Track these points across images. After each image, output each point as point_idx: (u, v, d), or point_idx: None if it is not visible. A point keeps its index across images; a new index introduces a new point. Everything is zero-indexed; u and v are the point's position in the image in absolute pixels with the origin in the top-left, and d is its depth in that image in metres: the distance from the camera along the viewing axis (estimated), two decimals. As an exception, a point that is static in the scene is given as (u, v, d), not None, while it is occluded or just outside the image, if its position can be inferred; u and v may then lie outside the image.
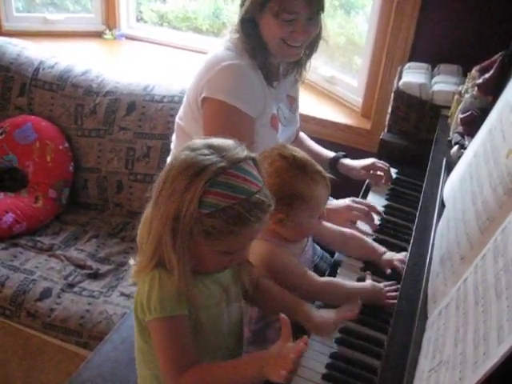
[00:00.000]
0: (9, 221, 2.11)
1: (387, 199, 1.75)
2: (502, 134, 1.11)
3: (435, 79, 1.97)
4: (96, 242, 2.17)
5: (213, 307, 1.12)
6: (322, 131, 2.36)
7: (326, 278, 1.36)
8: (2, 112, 2.42)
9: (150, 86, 2.31)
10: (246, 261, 1.19)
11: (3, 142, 2.31)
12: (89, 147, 2.32)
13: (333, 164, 1.89)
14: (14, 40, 2.54)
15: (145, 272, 1.05)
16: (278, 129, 1.71)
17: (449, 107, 1.79)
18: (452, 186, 1.32)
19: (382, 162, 1.84)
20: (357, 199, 1.65)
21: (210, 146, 1.01)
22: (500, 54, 1.59)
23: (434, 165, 1.58)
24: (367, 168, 1.82)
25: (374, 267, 1.44)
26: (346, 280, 1.38)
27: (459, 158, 1.44)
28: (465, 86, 1.70)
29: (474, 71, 1.68)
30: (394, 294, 1.29)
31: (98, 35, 3.06)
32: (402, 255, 1.43)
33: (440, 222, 1.25)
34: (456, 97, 1.72)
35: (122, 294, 1.90)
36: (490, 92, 1.54)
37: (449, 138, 1.68)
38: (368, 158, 1.88)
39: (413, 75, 1.99)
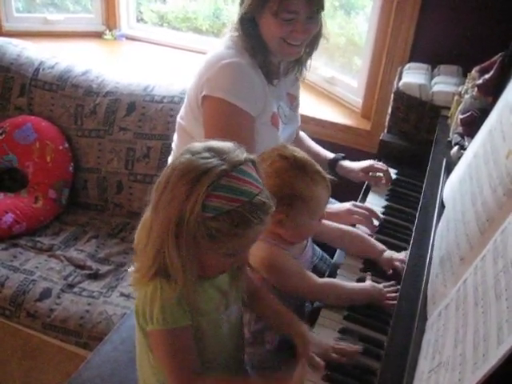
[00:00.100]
0: (8, 221, 2.11)
1: (387, 200, 1.75)
2: (502, 134, 1.11)
3: (435, 80, 1.97)
4: (96, 243, 2.17)
5: (212, 312, 1.11)
6: (322, 132, 2.36)
7: (326, 279, 1.36)
8: (2, 112, 2.42)
9: (150, 86, 2.31)
10: (247, 264, 1.19)
11: (3, 142, 2.30)
12: (89, 147, 2.32)
13: (332, 165, 1.89)
14: (14, 40, 2.54)
15: (145, 280, 1.04)
16: (278, 127, 1.71)
17: (449, 108, 1.79)
18: (452, 187, 1.31)
19: (380, 163, 1.84)
20: (357, 203, 1.65)
21: (210, 149, 1.00)
22: (500, 54, 1.59)
23: (433, 165, 1.58)
24: (365, 170, 1.82)
25: (373, 268, 1.44)
26: (345, 281, 1.38)
27: (459, 158, 1.44)
28: (465, 87, 1.69)
29: (474, 72, 1.68)
30: (394, 294, 1.29)
31: (98, 35, 3.06)
32: (401, 255, 1.43)
33: (440, 223, 1.25)
34: (456, 97, 1.72)
35: (122, 295, 1.90)
36: (490, 93, 1.54)
37: (449, 139, 1.68)
38: (368, 158, 1.88)
39: (413, 76, 1.99)
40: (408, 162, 1.92)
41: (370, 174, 1.82)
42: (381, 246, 1.47)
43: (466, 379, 0.74)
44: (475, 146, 1.29)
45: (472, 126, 1.50)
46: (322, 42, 1.73)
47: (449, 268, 1.05)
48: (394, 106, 1.99)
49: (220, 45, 1.64)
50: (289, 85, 1.82)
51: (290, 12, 1.51)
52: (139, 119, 2.26)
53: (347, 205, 1.62)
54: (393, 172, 1.85)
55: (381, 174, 1.82)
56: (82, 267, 2.02)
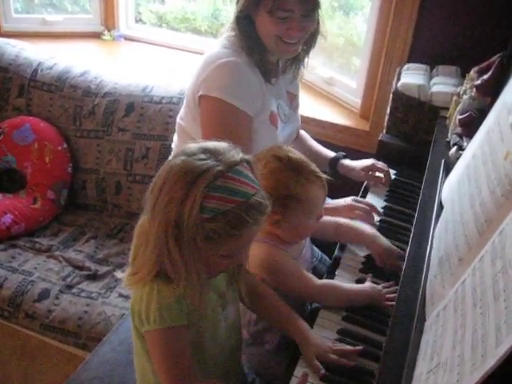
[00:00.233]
0: (7, 222, 2.11)
1: (386, 200, 1.75)
2: (500, 135, 1.11)
3: (434, 80, 1.98)
4: (94, 243, 2.17)
5: (210, 313, 1.11)
6: (321, 132, 2.35)
7: (325, 281, 1.36)
8: (1, 113, 2.42)
9: (149, 86, 2.31)
10: (245, 264, 1.19)
11: (2, 143, 2.30)
12: (87, 148, 2.32)
13: (332, 164, 1.89)
14: (13, 41, 2.54)
15: (142, 283, 1.03)
16: (277, 126, 1.71)
17: (447, 108, 1.79)
18: (450, 188, 1.31)
19: (381, 162, 1.84)
20: (358, 198, 1.66)
21: (205, 150, 1.00)
22: (498, 55, 1.59)
23: (432, 166, 1.58)
24: (367, 169, 1.82)
25: (372, 268, 1.44)
26: (344, 281, 1.38)
27: (457, 159, 1.44)
28: (463, 87, 1.70)
29: (473, 72, 1.68)
30: (393, 295, 1.29)
31: (97, 36, 3.06)
32: (392, 247, 1.45)
33: (438, 224, 1.25)
34: (454, 98, 1.72)
35: (121, 296, 1.90)
36: (489, 93, 1.54)
37: (447, 139, 1.68)
38: (367, 159, 1.88)
39: (411, 76, 1.99)
40: (407, 162, 1.92)
41: (370, 173, 1.82)
42: (369, 232, 1.49)
43: (465, 380, 0.74)
44: (473, 146, 1.29)
45: (470, 127, 1.50)
46: (320, 42, 1.72)
47: (447, 269, 1.04)
48: (392, 106, 1.99)
49: (217, 44, 1.64)
50: (288, 83, 1.81)
51: (285, 10, 1.51)
52: (138, 120, 2.26)
53: (348, 200, 1.63)
54: (392, 172, 1.85)
55: (381, 174, 1.81)
56: (81, 268, 2.02)
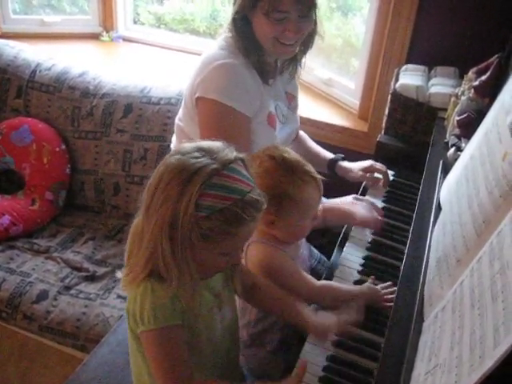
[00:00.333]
0: (5, 223, 2.10)
1: (384, 201, 1.75)
2: (498, 136, 1.11)
3: (432, 81, 1.98)
4: (93, 245, 2.16)
5: (205, 314, 1.11)
6: (319, 133, 2.35)
7: (323, 282, 1.36)
8: (-1, 114, 2.42)
9: (147, 88, 2.31)
10: (240, 263, 1.19)
11: (0, 144, 2.30)
12: (85, 149, 2.32)
13: (331, 166, 1.89)
14: (11, 42, 2.53)
15: (136, 282, 1.03)
16: (275, 127, 1.71)
17: (445, 109, 1.79)
18: (448, 189, 1.32)
19: (379, 164, 1.84)
20: (358, 196, 1.66)
21: (200, 149, 1.01)
22: (496, 56, 1.60)
23: (430, 167, 1.58)
24: (365, 170, 1.82)
25: (371, 269, 1.44)
26: (342, 283, 1.38)
27: (456, 160, 1.44)
28: (461, 88, 1.70)
29: (471, 73, 1.68)
30: (391, 296, 1.29)
31: (95, 37, 3.06)
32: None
33: (436, 225, 1.25)
34: (453, 99, 1.72)
35: (119, 297, 1.89)
36: (487, 94, 1.54)
37: (445, 140, 1.68)
38: (365, 160, 1.88)
39: (410, 77, 1.99)
40: (405, 163, 1.92)
41: (368, 174, 1.82)
42: (356, 211, 1.56)
43: (463, 381, 0.74)
44: (471, 147, 1.29)
45: (469, 128, 1.50)
46: (319, 43, 1.72)
47: (445, 270, 1.05)
48: (391, 107, 1.99)
49: (214, 45, 1.64)
50: (286, 83, 1.81)
51: (281, 12, 1.51)
52: (136, 121, 2.26)
53: (349, 198, 1.63)
54: (390, 173, 1.85)
55: (379, 175, 1.81)
56: (79, 269, 2.02)
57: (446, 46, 2.10)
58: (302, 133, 2.00)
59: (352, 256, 1.49)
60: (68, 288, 1.93)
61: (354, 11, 2.73)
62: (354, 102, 2.48)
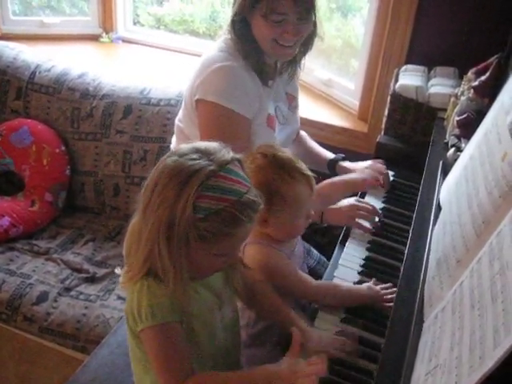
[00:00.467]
0: (5, 224, 2.10)
1: (384, 202, 1.75)
2: (498, 136, 1.11)
3: (431, 82, 1.98)
4: (93, 246, 2.16)
5: (205, 313, 1.11)
6: (319, 134, 2.35)
7: (321, 281, 1.36)
8: (-1, 115, 2.42)
9: (147, 89, 2.31)
10: (239, 262, 1.19)
11: (-1, 146, 2.30)
12: (85, 150, 2.32)
13: (331, 166, 1.89)
14: (11, 43, 2.53)
15: (134, 280, 1.04)
16: (274, 128, 1.71)
17: (445, 110, 1.79)
18: (448, 189, 1.32)
19: (380, 161, 1.84)
20: (360, 199, 1.66)
21: (197, 151, 1.01)
22: (496, 56, 1.60)
23: (430, 167, 1.58)
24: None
25: (371, 270, 1.44)
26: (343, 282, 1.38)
27: (455, 160, 1.44)
28: (461, 89, 1.70)
29: (470, 74, 1.68)
30: (390, 296, 1.29)
31: (95, 38, 3.06)
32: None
33: (436, 225, 1.25)
34: (452, 99, 1.72)
35: (119, 298, 1.89)
36: (486, 94, 1.54)
37: (445, 141, 1.68)
38: (365, 160, 1.88)
39: (409, 78, 1.99)
40: (405, 163, 1.92)
41: None
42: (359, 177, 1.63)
43: (463, 382, 0.74)
44: (471, 148, 1.29)
45: (468, 128, 1.50)
46: (318, 44, 1.72)
47: (445, 270, 1.04)
48: (390, 108, 1.99)
49: (214, 47, 1.64)
50: (286, 84, 1.81)
51: (279, 14, 1.51)
52: (136, 122, 2.26)
53: (351, 200, 1.63)
54: (390, 174, 1.85)
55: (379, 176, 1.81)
56: (79, 270, 2.01)
57: (446, 47, 2.10)
58: (302, 133, 2.00)
59: (352, 256, 1.49)
60: (68, 289, 1.93)
61: (354, 12, 2.73)
62: (354, 102, 2.48)
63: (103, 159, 2.30)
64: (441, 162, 1.55)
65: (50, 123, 2.35)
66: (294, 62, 1.74)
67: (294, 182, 1.28)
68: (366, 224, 1.59)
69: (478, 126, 1.36)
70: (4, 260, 2.03)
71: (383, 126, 2.06)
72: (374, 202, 1.73)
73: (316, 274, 1.54)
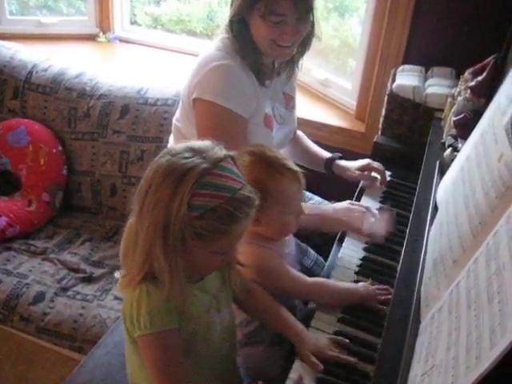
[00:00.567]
0: (2, 224, 2.10)
1: (381, 202, 1.75)
2: (495, 137, 1.11)
3: (429, 82, 1.98)
4: (90, 246, 2.16)
5: (203, 316, 1.11)
6: (316, 134, 2.35)
7: (315, 279, 1.36)
8: (-5, 115, 2.41)
9: (144, 89, 2.31)
10: (236, 261, 1.19)
11: (-4, 145, 2.30)
12: (82, 150, 2.32)
13: (328, 165, 1.89)
14: (7, 43, 2.52)
15: (132, 285, 1.03)
16: (272, 128, 1.71)
17: (442, 110, 1.80)
18: (445, 190, 1.32)
19: (376, 162, 1.84)
20: (354, 202, 1.66)
21: (189, 149, 1.01)
22: (492, 56, 1.60)
23: (427, 167, 1.58)
24: (362, 169, 1.82)
25: (368, 270, 1.44)
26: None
27: (452, 160, 1.44)
28: (458, 89, 1.70)
29: (467, 74, 1.69)
30: (385, 297, 1.29)
31: (92, 38, 3.05)
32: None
33: (433, 226, 1.25)
34: (449, 99, 1.73)
35: (116, 298, 1.89)
36: (483, 94, 1.55)
37: (442, 141, 1.69)
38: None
39: (406, 78, 2.00)
40: (402, 163, 1.92)
41: (366, 173, 1.81)
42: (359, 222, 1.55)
43: (459, 382, 0.74)
44: (468, 148, 1.29)
45: (465, 128, 1.51)
46: (316, 43, 1.72)
47: (442, 271, 1.05)
48: (387, 108, 1.99)
49: (211, 47, 1.64)
50: (283, 84, 1.81)
51: (278, 15, 1.51)
52: (133, 122, 2.25)
53: (345, 203, 1.63)
54: (387, 174, 1.85)
55: (376, 175, 1.81)
56: (76, 270, 2.01)
57: (443, 47, 2.11)
58: (299, 132, 2.00)
59: (349, 257, 1.49)
60: (65, 289, 1.92)
61: (351, 12, 2.73)
62: (351, 102, 2.49)
63: (100, 159, 2.29)
64: (438, 162, 1.56)
65: (47, 123, 2.35)
66: (291, 62, 1.74)
67: (281, 177, 1.27)
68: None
69: (474, 126, 1.36)
70: (1, 260, 2.02)
71: (380, 125, 2.07)
72: (371, 202, 1.73)
73: (313, 274, 1.53)
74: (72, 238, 2.20)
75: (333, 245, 1.56)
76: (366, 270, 1.44)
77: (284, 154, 1.48)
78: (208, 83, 1.56)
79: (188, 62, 2.75)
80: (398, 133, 1.99)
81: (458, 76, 1.90)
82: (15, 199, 2.25)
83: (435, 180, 1.46)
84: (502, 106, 1.17)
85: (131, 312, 1.03)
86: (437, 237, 1.18)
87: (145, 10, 3.24)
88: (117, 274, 1.13)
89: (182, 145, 1.03)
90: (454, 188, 1.24)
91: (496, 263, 0.83)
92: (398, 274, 1.20)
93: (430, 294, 1.05)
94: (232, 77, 1.57)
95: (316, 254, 1.69)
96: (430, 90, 1.92)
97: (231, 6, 1.59)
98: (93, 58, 2.88)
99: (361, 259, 1.49)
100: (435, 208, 1.32)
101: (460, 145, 1.52)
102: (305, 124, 2.31)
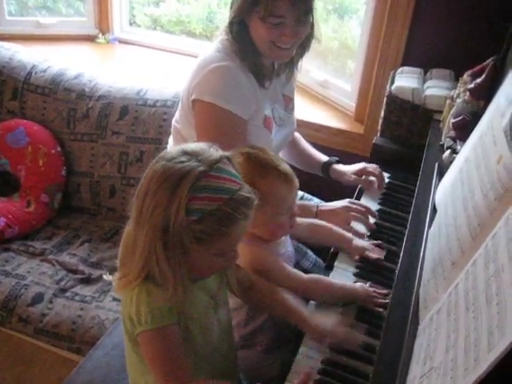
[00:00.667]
0: (0, 225, 2.09)
1: (380, 203, 1.75)
2: (493, 139, 1.11)
3: (427, 84, 1.98)
4: (88, 247, 2.16)
5: (202, 316, 1.11)
6: (315, 135, 2.36)
7: (312, 275, 1.36)
8: (-6, 116, 2.41)
9: (143, 90, 2.31)
10: (234, 263, 1.19)
11: (-5, 146, 2.30)
12: (81, 151, 2.32)
13: (325, 169, 1.89)
14: (6, 44, 2.52)
15: (129, 288, 1.03)
16: (271, 130, 1.71)
17: (441, 112, 1.80)
18: (444, 192, 1.32)
19: (373, 166, 1.84)
20: (353, 200, 1.66)
21: (184, 153, 1.00)
22: (492, 58, 1.60)
23: (426, 169, 1.58)
24: (358, 173, 1.82)
25: (367, 272, 1.44)
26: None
27: (451, 162, 1.44)
28: (457, 91, 1.70)
29: (466, 76, 1.69)
30: (382, 301, 1.29)
31: (91, 39, 3.05)
32: (368, 244, 1.48)
33: (432, 228, 1.25)
34: (448, 101, 1.73)
35: (115, 299, 1.89)
36: (482, 97, 1.55)
37: (441, 143, 1.69)
38: (361, 162, 1.88)
39: (405, 80, 2.00)
40: (401, 165, 1.92)
41: (363, 177, 1.82)
42: (348, 236, 1.50)
43: (458, 384, 0.74)
44: (467, 150, 1.29)
45: (464, 130, 1.51)
46: (315, 45, 1.72)
47: (440, 273, 1.05)
48: (386, 109, 1.99)
49: (210, 48, 1.64)
50: (283, 85, 1.81)
51: (277, 16, 1.51)
52: (132, 123, 2.25)
53: (344, 202, 1.63)
54: (386, 175, 1.85)
55: (373, 178, 1.81)
56: (75, 272, 2.01)
57: (442, 49, 2.11)
58: (296, 134, 2.00)
59: (348, 258, 1.49)
60: (63, 290, 1.92)
61: (350, 14, 2.73)
62: (350, 104, 2.49)
63: (99, 160, 2.29)
64: (436, 164, 1.56)
65: (46, 124, 2.35)
66: (291, 64, 1.74)
67: (271, 178, 1.27)
68: (360, 228, 1.58)
69: (473, 128, 1.36)
70: (-1, 261, 2.02)
71: (379, 127, 2.07)
72: (370, 203, 1.73)
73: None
74: (71, 239, 2.20)
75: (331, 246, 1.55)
76: (364, 271, 1.44)
77: (281, 156, 1.48)
78: (207, 85, 1.56)
79: (187, 63, 2.75)
80: (397, 134, 1.99)
81: (456, 78, 1.90)
82: (14, 200, 2.24)
83: (434, 182, 1.46)
84: (500, 108, 1.17)
85: (130, 311, 1.02)
86: (435, 239, 1.18)
87: (144, 11, 3.24)
88: (106, 276, 1.13)
89: (176, 149, 1.03)
90: (452, 190, 1.24)
91: (495, 265, 0.83)
92: (396, 276, 1.20)
93: (428, 295, 1.05)
94: (231, 78, 1.57)
95: (315, 256, 1.69)
96: (429, 92, 1.92)
97: (231, 7, 1.59)
98: (92, 59, 2.88)
99: (359, 261, 1.49)
100: (434, 210, 1.32)
101: (459, 147, 1.52)
102: (304, 125, 2.31)
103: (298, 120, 1.95)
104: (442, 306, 0.96)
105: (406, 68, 2.10)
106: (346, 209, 1.61)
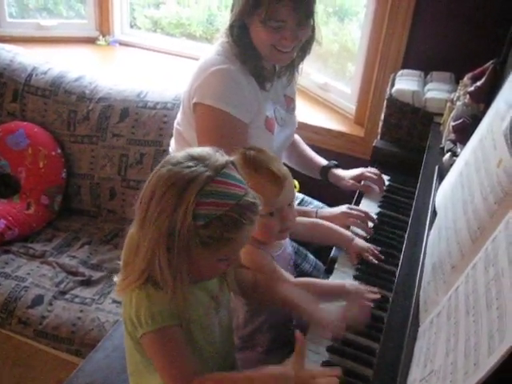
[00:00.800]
0: (0, 227, 2.09)
1: (380, 206, 1.75)
2: (493, 143, 1.11)
3: (428, 86, 1.98)
4: (88, 249, 2.16)
5: (203, 317, 1.11)
6: (316, 138, 2.36)
7: (301, 279, 1.36)
8: (-5, 118, 2.41)
9: (144, 92, 2.31)
10: (237, 265, 1.19)
11: (-4, 148, 2.30)
12: (81, 153, 2.32)
13: (324, 173, 1.89)
14: (7, 46, 2.53)
15: (130, 288, 1.03)
16: (273, 131, 1.71)
17: (441, 114, 1.80)
18: (444, 195, 1.32)
19: (371, 170, 1.83)
20: (352, 206, 1.66)
21: (191, 158, 1.00)
22: (492, 61, 1.60)
23: (426, 172, 1.58)
24: (356, 178, 1.82)
25: (366, 275, 1.44)
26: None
27: (451, 165, 1.44)
28: (457, 94, 1.70)
29: (466, 79, 1.69)
30: (371, 295, 1.28)
31: (92, 41, 3.06)
32: (369, 246, 1.48)
33: (432, 231, 1.25)
34: (448, 104, 1.73)
35: (115, 301, 1.88)
36: (482, 100, 1.55)
37: (441, 146, 1.69)
38: (361, 164, 1.89)
39: (405, 82, 2.00)
40: (401, 168, 1.92)
41: (362, 182, 1.81)
42: (348, 235, 1.50)
43: (458, 388, 0.74)
44: (467, 153, 1.29)
45: (464, 133, 1.51)
46: (315, 48, 1.73)
47: (440, 276, 1.05)
48: (386, 112, 1.99)
49: (211, 51, 1.64)
50: (284, 86, 1.81)
51: (278, 20, 1.51)
52: (132, 125, 2.26)
53: (343, 208, 1.63)
54: (386, 178, 1.85)
55: (371, 183, 1.81)
56: (75, 274, 2.01)
57: (442, 51, 2.11)
58: (296, 136, 2.00)
59: (347, 261, 1.49)
60: (63, 293, 1.92)
61: (351, 16, 2.73)
62: (350, 106, 2.49)
63: (99, 162, 2.29)
64: (437, 167, 1.56)
65: (47, 126, 2.35)
66: (291, 67, 1.75)
67: (260, 177, 1.25)
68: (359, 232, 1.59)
69: (473, 131, 1.36)
70: (-1, 263, 2.02)
71: (379, 130, 2.07)
72: (370, 206, 1.73)
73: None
74: (71, 241, 2.20)
75: (331, 249, 1.55)
76: (364, 274, 1.44)
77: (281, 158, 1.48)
78: (208, 88, 1.56)
79: (187, 65, 2.76)
80: (397, 137, 2.00)
81: (457, 81, 1.91)
82: (14, 202, 2.24)
83: (434, 185, 1.46)
84: (500, 112, 1.17)
85: (130, 313, 1.02)
86: (435, 242, 1.18)
87: (144, 14, 3.24)
88: (115, 278, 1.13)
89: (182, 153, 1.03)
90: (452, 193, 1.24)
91: (495, 269, 0.83)
92: (396, 279, 1.20)
93: (428, 298, 1.05)
94: (232, 81, 1.57)
95: (315, 259, 1.69)
96: (429, 95, 1.92)
97: (232, 10, 1.59)
98: (92, 61, 2.88)
99: (359, 263, 1.49)
100: (434, 213, 1.32)
101: (459, 150, 1.52)
102: (304, 128, 2.32)
103: (298, 122, 1.95)
104: (442, 309, 0.96)
105: (406, 71, 2.10)
106: (345, 215, 1.60)
